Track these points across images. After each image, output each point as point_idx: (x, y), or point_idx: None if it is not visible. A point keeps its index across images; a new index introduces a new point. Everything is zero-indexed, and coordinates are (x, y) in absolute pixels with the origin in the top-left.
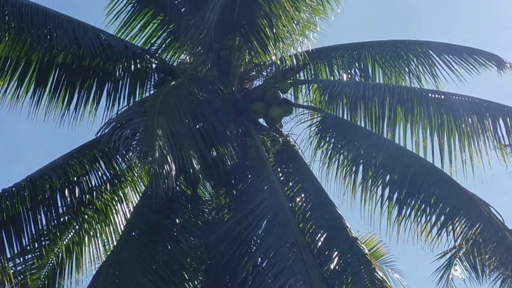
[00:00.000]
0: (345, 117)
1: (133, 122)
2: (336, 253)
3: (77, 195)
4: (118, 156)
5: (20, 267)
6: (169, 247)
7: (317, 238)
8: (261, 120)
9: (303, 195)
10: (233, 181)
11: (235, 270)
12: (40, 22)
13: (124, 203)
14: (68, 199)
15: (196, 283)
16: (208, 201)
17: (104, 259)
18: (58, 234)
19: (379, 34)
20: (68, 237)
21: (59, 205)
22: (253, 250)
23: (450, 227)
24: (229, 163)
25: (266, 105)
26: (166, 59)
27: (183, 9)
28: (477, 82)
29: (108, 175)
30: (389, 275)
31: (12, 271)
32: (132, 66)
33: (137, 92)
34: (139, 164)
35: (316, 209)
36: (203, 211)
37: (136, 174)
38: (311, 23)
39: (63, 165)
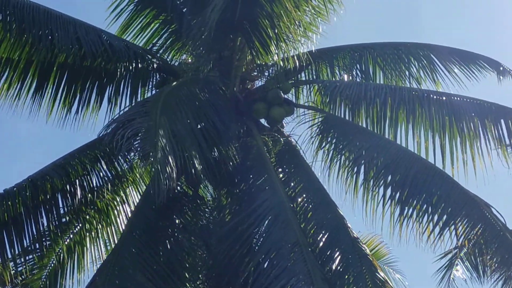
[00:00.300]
0: (347, 118)
1: (135, 122)
2: (337, 253)
3: (78, 195)
4: (120, 157)
5: (22, 267)
6: (169, 247)
7: (318, 239)
8: (263, 121)
9: (304, 195)
10: (234, 181)
11: (236, 270)
12: (42, 22)
13: (126, 203)
14: (70, 199)
15: (197, 283)
16: (209, 202)
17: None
18: (59, 234)
19: (380, 34)
20: (69, 237)
21: (61, 205)
22: (254, 250)
23: (452, 227)
24: (230, 164)
25: (268, 105)
26: (168, 59)
27: (185, 9)
28: (477, 86)
29: (109, 175)
30: (391, 275)
31: (13, 271)
32: (134, 66)
33: (139, 92)
34: (141, 165)
35: (317, 209)
36: (204, 211)
37: (137, 175)
38: (313, 24)
39: (65, 165)
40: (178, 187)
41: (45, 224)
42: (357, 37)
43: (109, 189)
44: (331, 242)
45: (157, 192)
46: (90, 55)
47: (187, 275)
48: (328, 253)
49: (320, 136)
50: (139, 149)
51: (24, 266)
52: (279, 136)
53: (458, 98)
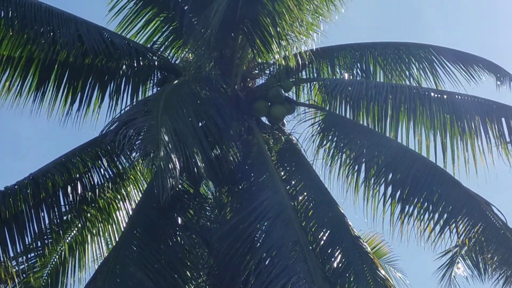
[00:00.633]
0: (348, 116)
1: (137, 121)
2: (338, 251)
3: (79, 193)
4: (122, 156)
5: (23, 266)
6: (170, 245)
7: (319, 237)
8: (264, 119)
9: (305, 193)
10: (235, 180)
11: (237, 268)
12: (43, 20)
13: (127, 201)
14: (71, 197)
15: (198, 281)
16: (211, 200)
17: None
18: (60, 232)
19: (380, 33)
20: (71, 236)
21: (62, 203)
22: (255, 248)
23: (453, 226)
24: (231, 162)
25: (269, 103)
26: (169, 57)
27: (186, 7)
28: (476, 86)
29: (110, 173)
30: (392, 273)
31: (15, 269)
32: (135, 64)
33: (140, 89)
34: (143, 163)
35: (318, 207)
36: (205, 209)
37: (138, 173)
38: (315, 24)
39: (66, 163)
40: (179, 185)
41: (47, 222)
42: (358, 37)
43: (110, 187)
44: (332, 241)
45: (161, 191)
46: (92, 52)
47: (188, 274)
48: (329, 252)
49: (321, 134)
50: (141, 148)
51: (26, 265)
52: (280, 134)
53: (459, 97)
